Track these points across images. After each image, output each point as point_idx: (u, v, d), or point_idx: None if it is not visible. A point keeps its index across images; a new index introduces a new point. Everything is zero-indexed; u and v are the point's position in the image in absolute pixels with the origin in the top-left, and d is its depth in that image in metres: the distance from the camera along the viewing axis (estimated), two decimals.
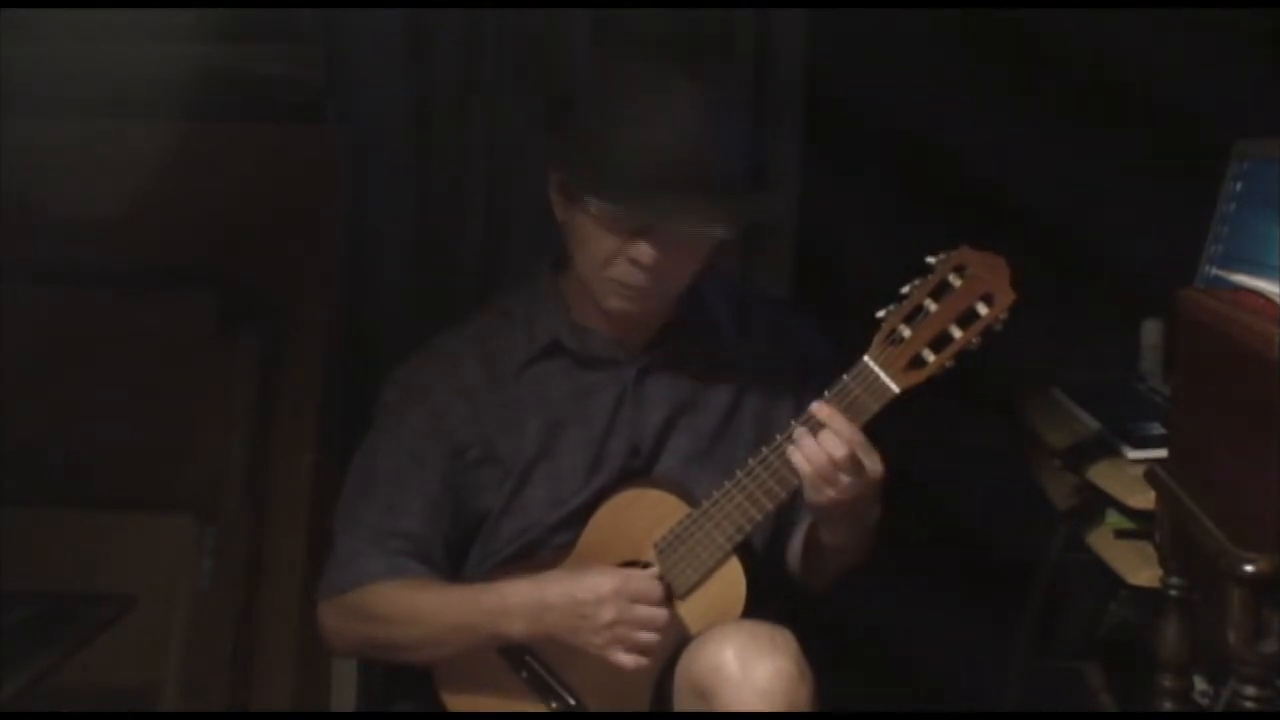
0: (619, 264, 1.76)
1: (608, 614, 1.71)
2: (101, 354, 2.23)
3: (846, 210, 3.06)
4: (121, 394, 2.22)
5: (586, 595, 1.72)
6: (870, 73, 2.96)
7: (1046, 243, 2.74)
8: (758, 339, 1.93)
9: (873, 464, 1.70)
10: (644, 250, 1.73)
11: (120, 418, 2.22)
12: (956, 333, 1.69)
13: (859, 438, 1.69)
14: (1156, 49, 2.87)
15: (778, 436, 1.75)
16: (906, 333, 1.70)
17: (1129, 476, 1.92)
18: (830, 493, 1.70)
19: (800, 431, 1.71)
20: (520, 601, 1.76)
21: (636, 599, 1.72)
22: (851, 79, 2.93)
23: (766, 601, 1.83)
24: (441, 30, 2.57)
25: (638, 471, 1.87)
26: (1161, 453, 1.81)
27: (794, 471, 1.73)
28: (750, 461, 1.76)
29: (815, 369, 1.90)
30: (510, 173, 2.59)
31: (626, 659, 1.72)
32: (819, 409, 1.71)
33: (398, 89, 2.55)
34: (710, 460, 1.87)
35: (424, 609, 1.81)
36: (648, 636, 1.72)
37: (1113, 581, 1.99)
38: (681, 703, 1.76)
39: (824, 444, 1.69)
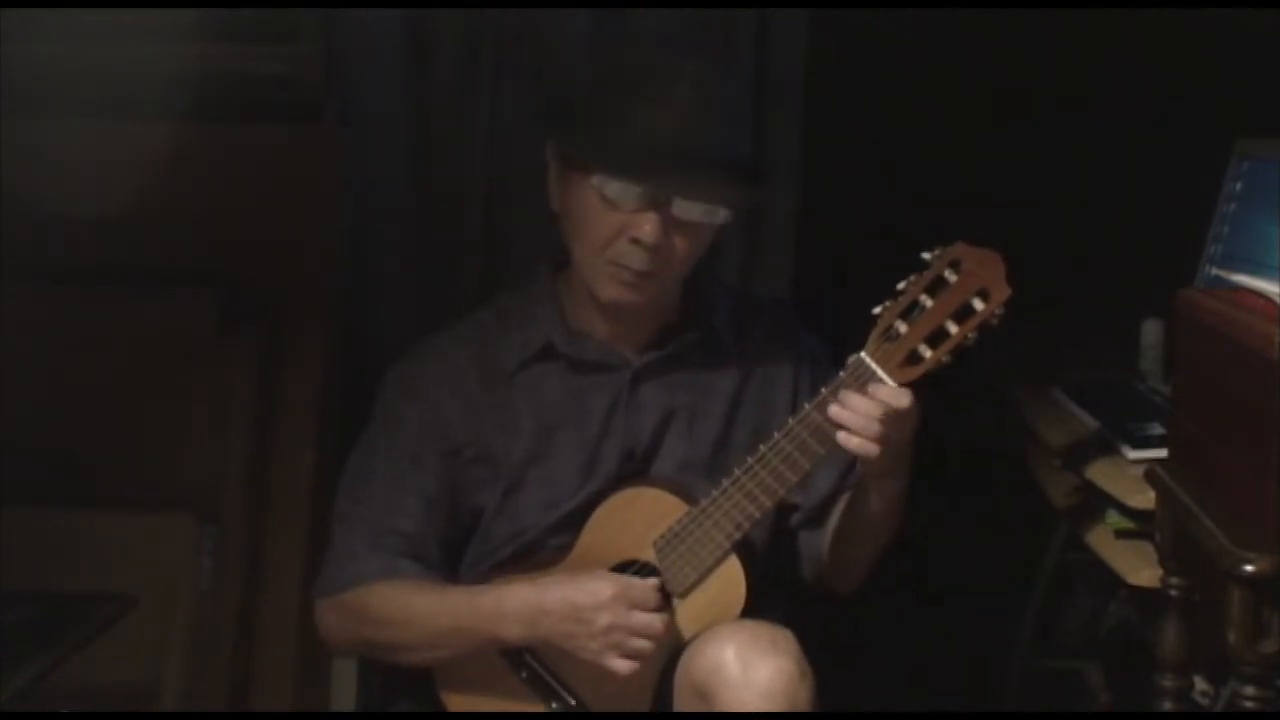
0: (619, 244, 1.75)
1: (605, 619, 1.71)
2: (101, 354, 2.23)
3: (847, 208, 3.07)
4: (121, 394, 2.22)
5: (585, 600, 1.71)
6: (870, 71, 2.96)
7: (1046, 242, 2.74)
8: (755, 341, 1.92)
9: (897, 397, 1.68)
10: (648, 227, 1.72)
11: (120, 417, 2.22)
12: (953, 328, 1.68)
13: (882, 387, 1.69)
14: (1157, 49, 2.87)
15: (775, 435, 1.75)
16: (902, 328, 1.69)
17: (1129, 476, 1.92)
18: (874, 449, 1.68)
19: (830, 406, 1.70)
20: (517, 606, 1.75)
21: (634, 605, 1.72)
22: (852, 77, 2.94)
23: (767, 601, 1.83)
24: (441, 30, 2.57)
25: (633, 475, 1.87)
26: (1161, 453, 1.81)
27: (793, 469, 1.74)
28: (749, 459, 1.76)
29: (813, 370, 1.91)
30: (510, 173, 2.58)
31: (620, 665, 1.72)
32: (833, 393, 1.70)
33: (398, 89, 2.54)
34: (707, 465, 1.86)
35: (419, 612, 1.80)
36: (643, 643, 1.72)
37: (1113, 581, 1.99)
38: (682, 703, 1.76)
39: (849, 403, 1.68)
